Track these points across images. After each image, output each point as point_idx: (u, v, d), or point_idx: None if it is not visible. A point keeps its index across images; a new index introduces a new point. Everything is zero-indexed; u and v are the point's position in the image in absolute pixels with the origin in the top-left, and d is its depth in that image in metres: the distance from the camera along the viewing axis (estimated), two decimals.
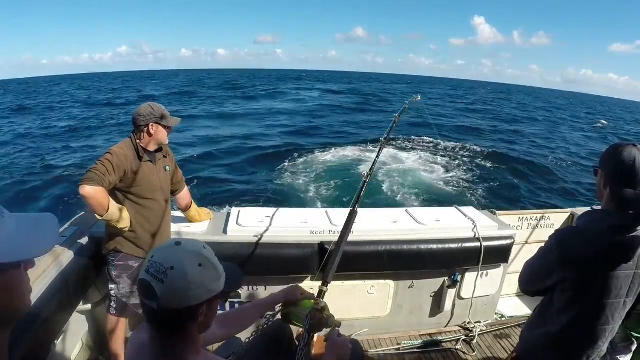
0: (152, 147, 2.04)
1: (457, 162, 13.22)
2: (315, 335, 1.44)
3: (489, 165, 13.35)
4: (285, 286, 2.41)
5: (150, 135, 1.99)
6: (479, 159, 13.90)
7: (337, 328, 1.37)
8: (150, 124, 1.97)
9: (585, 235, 1.20)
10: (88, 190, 1.77)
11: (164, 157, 2.14)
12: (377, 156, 2.05)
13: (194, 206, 2.46)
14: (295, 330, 1.57)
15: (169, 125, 2.04)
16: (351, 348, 1.25)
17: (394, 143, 14.37)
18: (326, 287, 1.62)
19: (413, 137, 15.96)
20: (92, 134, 16.99)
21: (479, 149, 15.20)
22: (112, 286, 2.06)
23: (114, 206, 1.89)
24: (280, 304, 1.47)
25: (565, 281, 1.23)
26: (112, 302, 2.08)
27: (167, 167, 2.16)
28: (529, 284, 1.40)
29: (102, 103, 30.00)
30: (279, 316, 1.49)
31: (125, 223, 1.94)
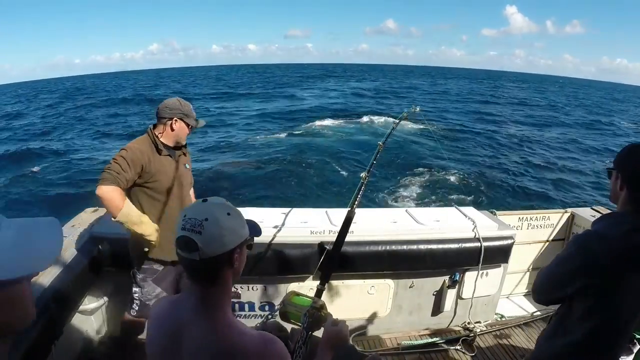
0: (170, 142, 2.00)
1: (455, 160, 13.22)
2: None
3: (489, 164, 13.35)
4: (287, 285, 2.40)
5: (172, 129, 1.96)
6: (479, 159, 13.91)
7: (332, 317, 1.36)
8: (175, 118, 1.94)
9: (607, 239, 1.15)
10: (102, 190, 1.75)
11: (184, 154, 2.10)
12: (374, 158, 2.02)
13: None
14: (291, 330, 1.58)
15: (192, 125, 2.00)
16: (346, 338, 1.23)
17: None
18: (324, 286, 1.62)
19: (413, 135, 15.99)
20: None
21: (478, 148, 15.22)
22: (136, 289, 2.02)
23: (129, 208, 1.82)
24: (279, 304, 1.49)
25: (588, 288, 1.18)
26: (135, 305, 2.05)
27: (187, 164, 2.12)
28: (546, 294, 1.33)
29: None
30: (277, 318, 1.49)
31: (153, 237, 1.88)
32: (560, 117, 26.82)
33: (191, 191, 2.35)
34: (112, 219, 1.83)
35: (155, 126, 1.98)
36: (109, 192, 1.75)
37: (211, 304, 0.91)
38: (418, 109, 2.44)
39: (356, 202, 1.82)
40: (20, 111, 27.85)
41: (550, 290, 1.31)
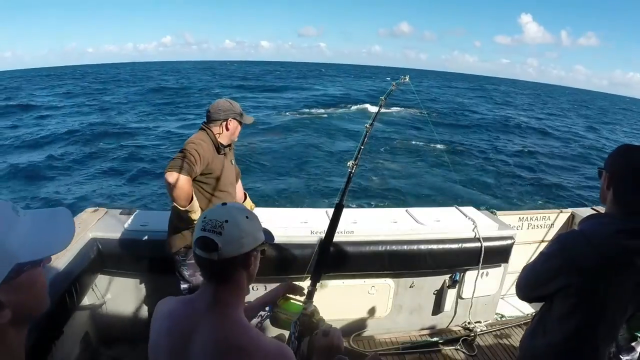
0: (225, 142, 2.06)
1: (454, 158, 13.21)
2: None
3: (489, 164, 13.34)
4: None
5: (227, 129, 2.02)
6: (480, 159, 13.89)
7: (322, 327, 1.27)
8: (229, 119, 2.00)
9: (591, 240, 1.13)
10: (176, 177, 1.73)
11: (229, 150, 2.16)
12: (362, 143, 1.84)
13: (248, 198, 2.48)
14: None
15: (245, 122, 2.08)
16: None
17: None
18: (315, 287, 1.61)
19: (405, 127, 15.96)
20: None
21: (479, 146, 15.20)
22: (184, 286, 2.03)
23: (195, 200, 1.87)
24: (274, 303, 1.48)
25: (569, 288, 1.16)
26: None
27: (232, 160, 2.19)
28: (528, 290, 1.32)
29: None
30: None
31: (198, 215, 1.87)
32: (563, 125, 27.02)
33: (239, 183, 2.38)
34: (180, 208, 1.80)
35: (209, 127, 2.01)
36: (184, 181, 1.76)
37: (224, 301, 0.93)
38: (407, 78, 2.21)
39: (345, 194, 1.71)
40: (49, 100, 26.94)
41: (533, 287, 1.29)
